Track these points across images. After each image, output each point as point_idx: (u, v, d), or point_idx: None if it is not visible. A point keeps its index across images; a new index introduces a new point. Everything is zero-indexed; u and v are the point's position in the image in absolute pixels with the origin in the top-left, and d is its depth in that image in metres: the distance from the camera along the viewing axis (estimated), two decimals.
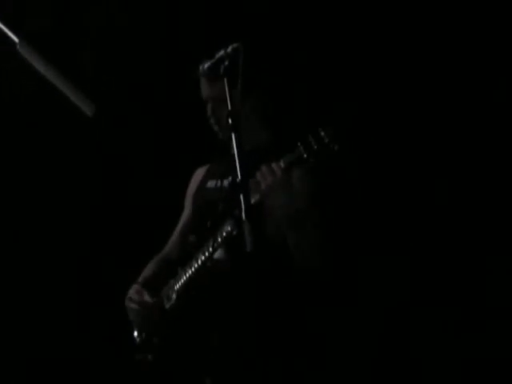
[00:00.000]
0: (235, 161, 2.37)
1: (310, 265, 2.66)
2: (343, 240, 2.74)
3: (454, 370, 3.47)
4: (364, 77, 3.54)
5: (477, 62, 3.44)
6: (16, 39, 2.03)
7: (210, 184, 2.95)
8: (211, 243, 2.69)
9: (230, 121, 2.39)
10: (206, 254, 2.72)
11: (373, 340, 3.56)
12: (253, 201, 2.49)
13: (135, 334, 2.94)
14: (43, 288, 4.19)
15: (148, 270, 3.07)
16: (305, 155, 2.49)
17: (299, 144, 2.50)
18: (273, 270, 2.68)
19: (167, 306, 2.85)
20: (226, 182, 2.85)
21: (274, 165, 2.53)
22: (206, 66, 2.55)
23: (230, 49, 2.48)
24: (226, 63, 2.43)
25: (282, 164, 2.53)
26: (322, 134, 2.47)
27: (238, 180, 2.35)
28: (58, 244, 4.19)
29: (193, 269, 2.77)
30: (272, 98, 2.90)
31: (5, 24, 2.05)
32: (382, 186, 3.52)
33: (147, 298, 2.88)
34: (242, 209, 2.31)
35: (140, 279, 3.01)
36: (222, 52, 2.50)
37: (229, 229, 2.64)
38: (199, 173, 3.10)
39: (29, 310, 4.19)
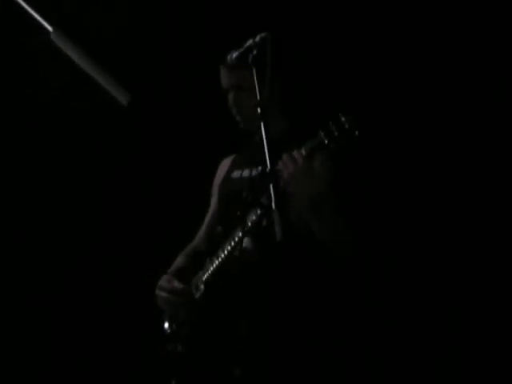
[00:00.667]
0: (263, 150, 2.39)
1: (334, 250, 2.65)
2: (364, 225, 2.73)
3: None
4: (379, 68, 3.58)
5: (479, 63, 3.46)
6: (50, 28, 2.03)
7: (236, 174, 2.95)
8: (238, 232, 2.69)
9: (258, 110, 2.41)
10: (233, 243, 2.72)
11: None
12: None
13: (166, 325, 2.94)
14: (70, 285, 4.23)
15: (178, 262, 3.07)
16: (326, 141, 2.50)
17: (320, 130, 2.50)
18: (296, 258, 2.68)
19: (196, 296, 2.84)
20: (252, 172, 2.84)
21: (295, 153, 2.53)
22: (235, 55, 2.55)
23: (258, 38, 2.48)
24: (255, 52, 2.45)
25: (303, 151, 2.53)
26: (343, 119, 2.48)
27: (267, 170, 2.37)
28: (85, 241, 4.22)
29: (220, 259, 2.77)
30: (290, 87, 2.90)
31: (39, 13, 2.04)
32: (398, 172, 3.54)
33: (177, 284, 2.88)
34: (271, 198, 2.32)
35: (170, 270, 3.01)
36: (250, 41, 2.49)
37: (255, 218, 2.64)
38: (225, 164, 3.11)
39: (45, 310, 4.25)
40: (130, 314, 4.09)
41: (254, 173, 2.81)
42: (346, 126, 2.47)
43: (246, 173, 2.88)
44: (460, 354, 3.50)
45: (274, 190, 2.34)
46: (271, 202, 2.32)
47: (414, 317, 3.55)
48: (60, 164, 4.15)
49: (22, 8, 2.03)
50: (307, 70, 3.50)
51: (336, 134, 2.48)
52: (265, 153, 2.39)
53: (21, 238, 4.20)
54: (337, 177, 2.66)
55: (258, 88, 2.42)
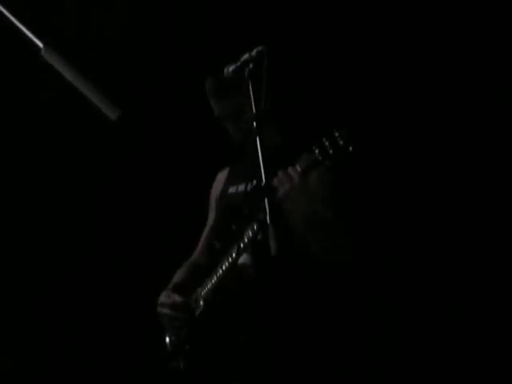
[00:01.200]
0: (258, 164, 2.38)
1: (332, 256, 2.64)
2: (363, 230, 2.72)
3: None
4: (373, 79, 3.57)
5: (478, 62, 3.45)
6: (41, 44, 2.02)
7: (232, 189, 2.94)
8: (235, 248, 2.68)
9: (254, 124, 2.40)
10: (230, 259, 2.71)
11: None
12: None
13: (167, 340, 2.94)
14: (70, 286, 4.22)
15: (177, 276, 3.07)
16: (320, 158, 2.45)
17: (314, 147, 2.46)
18: (293, 271, 2.67)
19: (196, 313, 2.84)
20: (248, 186, 2.83)
21: (290, 170, 2.50)
22: (231, 69, 2.53)
23: (254, 52, 2.46)
24: (251, 66, 2.44)
25: (298, 168, 2.50)
26: (337, 134, 2.43)
27: (262, 184, 2.36)
28: (84, 243, 4.22)
29: (218, 275, 2.76)
30: (285, 99, 2.88)
31: (30, 29, 2.03)
32: (394, 183, 3.53)
33: (177, 298, 2.88)
34: (266, 213, 2.31)
35: (170, 286, 3.01)
36: (246, 55, 2.48)
37: (251, 234, 2.62)
38: (221, 177, 3.10)
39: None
40: (130, 315, 4.10)
41: (250, 187, 2.80)
42: (340, 143, 2.42)
43: (241, 187, 2.87)
44: (460, 354, 3.49)
45: (269, 204, 2.33)
46: (266, 216, 2.31)
47: (414, 320, 3.55)
48: (59, 167, 4.15)
49: (12, 23, 2.02)
50: (303, 82, 3.50)
51: (330, 151, 2.43)
52: (260, 167, 2.38)
53: (21, 238, 4.21)
54: (335, 192, 2.65)
55: (254, 102, 2.41)
